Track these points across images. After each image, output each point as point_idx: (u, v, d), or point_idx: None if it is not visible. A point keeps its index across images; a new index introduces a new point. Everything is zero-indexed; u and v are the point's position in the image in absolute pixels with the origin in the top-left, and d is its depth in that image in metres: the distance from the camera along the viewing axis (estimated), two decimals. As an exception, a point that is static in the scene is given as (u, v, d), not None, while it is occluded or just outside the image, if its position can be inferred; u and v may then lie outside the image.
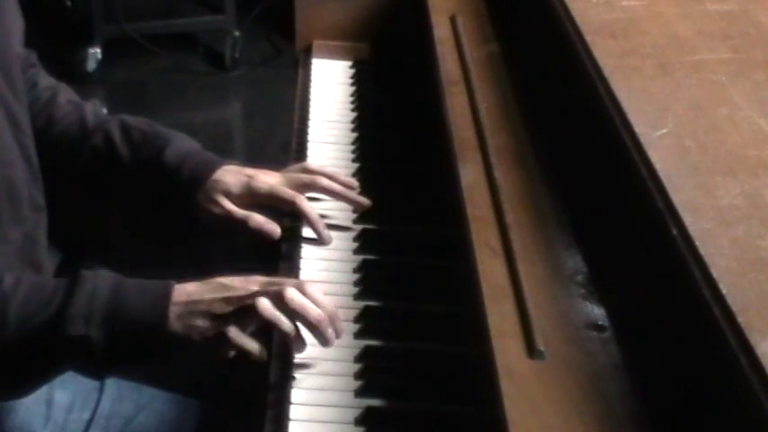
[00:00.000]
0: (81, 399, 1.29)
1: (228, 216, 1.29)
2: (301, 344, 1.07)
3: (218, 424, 1.33)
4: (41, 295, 1.04)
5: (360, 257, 1.25)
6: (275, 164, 1.38)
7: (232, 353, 1.06)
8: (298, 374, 1.07)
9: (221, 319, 1.05)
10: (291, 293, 1.05)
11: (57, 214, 1.28)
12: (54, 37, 3.49)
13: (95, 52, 3.37)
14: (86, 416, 1.29)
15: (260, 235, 1.28)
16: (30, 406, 1.26)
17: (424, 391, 1.06)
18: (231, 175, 1.30)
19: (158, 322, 1.04)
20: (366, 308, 1.16)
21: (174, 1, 3.55)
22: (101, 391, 1.31)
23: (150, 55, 3.45)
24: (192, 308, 1.05)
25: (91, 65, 3.37)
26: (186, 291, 1.07)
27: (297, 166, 1.36)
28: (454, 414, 1.04)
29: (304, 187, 1.31)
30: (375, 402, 1.04)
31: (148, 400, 1.32)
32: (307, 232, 1.29)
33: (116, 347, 1.04)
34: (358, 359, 1.09)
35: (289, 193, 1.29)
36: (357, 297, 1.19)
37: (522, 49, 1.42)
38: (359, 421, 1.01)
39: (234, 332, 1.05)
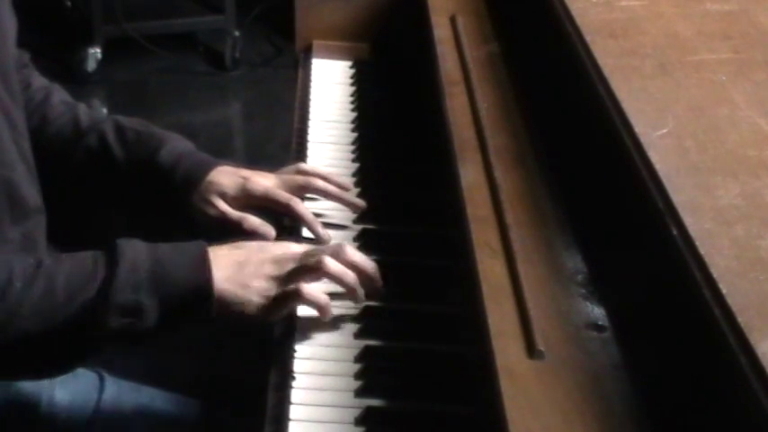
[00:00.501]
0: (81, 399, 1.29)
1: (223, 217, 1.29)
2: (361, 296, 1.13)
3: (218, 424, 1.33)
4: (83, 269, 1.05)
5: (360, 257, 1.25)
6: (275, 164, 1.38)
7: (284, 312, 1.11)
8: (298, 374, 1.07)
9: (278, 280, 1.09)
10: (349, 249, 1.12)
11: (56, 214, 1.28)
12: (54, 37, 3.50)
13: (95, 52, 3.37)
14: (86, 416, 1.29)
15: (255, 237, 1.28)
16: (30, 405, 1.26)
17: (424, 391, 1.06)
18: (226, 177, 1.30)
19: (204, 282, 1.06)
20: (366, 308, 1.16)
21: (174, 1, 3.55)
22: (101, 391, 1.31)
23: (150, 55, 3.45)
24: (241, 269, 1.09)
25: (91, 65, 3.37)
26: (225, 253, 1.10)
27: (291, 167, 1.36)
28: (454, 414, 1.04)
29: (299, 189, 1.31)
30: (375, 402, 1.04)
31: (148, 400, 1.32)
32: (306, 232, 1.29)
33: (166, 311, 1.05)
34: (358, 359, 1.09)
35: (284, 195, 1.29)
36: (357, 297, 1.19)
37: (522, 49, 1.42)
38: (359, 421, 1.01)
39: (308, 288, 1.09)
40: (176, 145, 1.33)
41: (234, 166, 1.33)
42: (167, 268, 1.06)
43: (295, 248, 1.13)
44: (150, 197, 1.34)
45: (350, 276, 1.11)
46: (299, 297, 1.09)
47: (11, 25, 1.23)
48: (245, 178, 1.30)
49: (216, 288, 1.07)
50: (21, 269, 1.04)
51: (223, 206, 1.29)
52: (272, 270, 1.10)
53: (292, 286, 1.09)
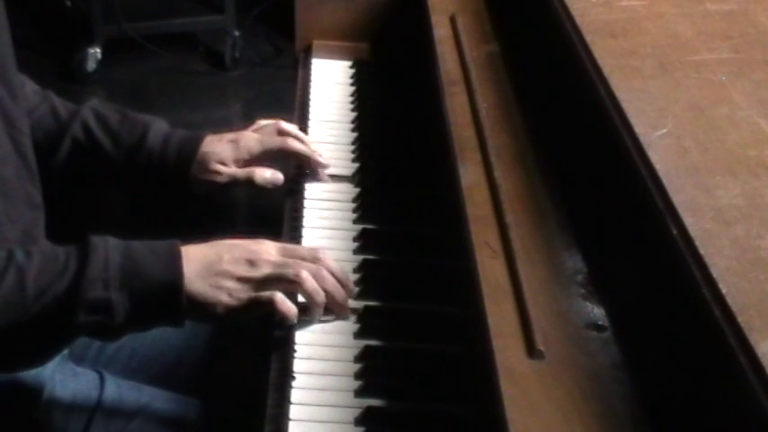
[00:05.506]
0: (81, 399, 1.29)
1: (232, 180, 1.34)
2: (318, 316, 1.13)
3: (219, 424, 1.32)
4: (55, 264, 1.05)
5: (360, 257, 1.25)
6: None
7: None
8: (298, 374, 1.07)
9: (251, 282, 1.09)
10: (325, 273, 1.12)
11: (55, 211, 1.28)
12: (54, 37, 3.49)
13: (95, 52, 3.37)
14: (86, 416, 1.29)
15: (267, 186, 1.34)
16: (29, 405, 1.26)
17: (424, 391, 1.07)
18: (218, 144, 1.35)
19: (174, 279, 1.06)
20: (366, 308, 1.16)
21: (174, 1, 3.55)
22: (101, 390, 1.30)
23: (150, 55, 3.45)
24: (212, 268, 1.08)
25: (91, 65, 3.37)
26: (197, 251, 1.10)
27: (269, 123, 1.41)
28: (454, 414, 1.04)
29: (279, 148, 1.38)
30: (375, 402, 1.04)
31: (148, 400, 1.32)
32: (307, 233, 1.29)
33: (136, 308, 1.05)
34: (358, 359, 1.09)
35: (276, 141, 1.36)
36: (357, 297, 1.19)
37: (522, 49, 1.42)
38: (359, 421, 1.01)
39: (281, 297, 1.09)
40: (159, 125, 1.36)
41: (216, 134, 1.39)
42: (139, 265, 1.05)
43: (271, 250, 1.12)
44: (142, 180, 1.36)
45: (321, 298, 1.11)
46: (271, 306, 1.09)
47: (5, 22, 1.23)
48: (234, 140, 1.35)
49: (186, 286, 1.06)
50: None
51: (227, 170, 1.34)
52: (245, 271, 1.09)
53: (267, 293, 1.09)
